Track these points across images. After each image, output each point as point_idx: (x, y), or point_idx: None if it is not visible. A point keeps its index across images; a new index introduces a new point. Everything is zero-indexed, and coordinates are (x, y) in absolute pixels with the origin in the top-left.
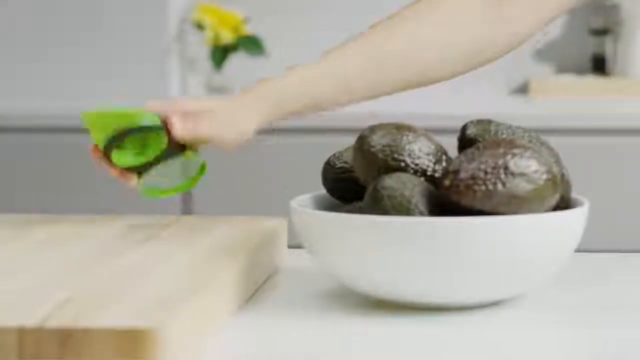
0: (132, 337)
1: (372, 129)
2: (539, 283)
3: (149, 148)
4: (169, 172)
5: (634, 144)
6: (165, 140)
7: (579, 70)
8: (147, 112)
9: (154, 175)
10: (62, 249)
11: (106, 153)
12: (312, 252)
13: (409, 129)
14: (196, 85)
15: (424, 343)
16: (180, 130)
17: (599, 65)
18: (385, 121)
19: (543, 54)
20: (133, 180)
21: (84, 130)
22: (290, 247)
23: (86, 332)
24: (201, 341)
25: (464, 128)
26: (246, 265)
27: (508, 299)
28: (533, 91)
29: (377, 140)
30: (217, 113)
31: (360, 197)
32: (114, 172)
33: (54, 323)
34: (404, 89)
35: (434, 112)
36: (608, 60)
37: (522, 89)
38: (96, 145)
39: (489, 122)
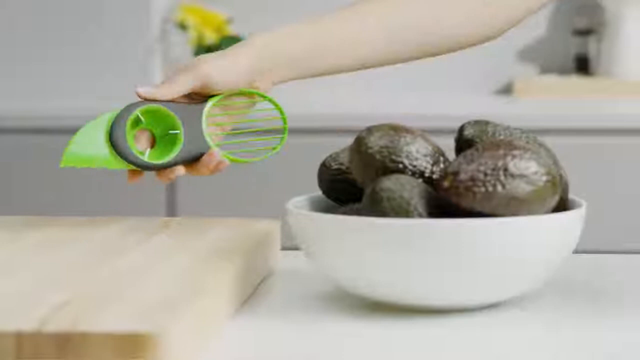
0: (132, 341)
1: (370, 130)
2: (538, 284)
3: (165, 129)
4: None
5: (618, 143)
6: (162, 110)
7: (563, 71)
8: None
9: (234, 143)
10: (58, 251)
11: (129, 159)
12: (310, 254)
13: (407, 130)
14: None
15: (423, 345)
16: (155, 92)
17: (583, 66)
18: (373, 122)
19: (526, 54)
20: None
21: (68, 132)
22: (282, 249)
23: (85, 336)
24: (200, 344)
25: (462, 129)
26: (243, 267)
27: (507, 300)
28: (517, 91)
29: (375, 142)
30: (196, 64)
31: (356, 199)
32: (180, 172)
33: (52, 327)
34: (419, 57)
35: (417, 112)
36: (592, 60)
37: (506, 90)
38: (132, 171)
39: (486, 123)
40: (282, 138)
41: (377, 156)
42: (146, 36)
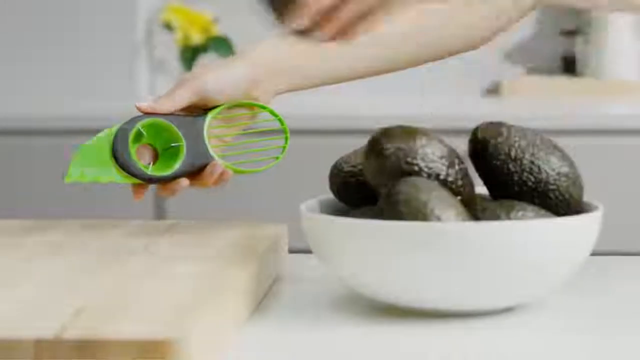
0: (152, 347)
1: (384, 132)
2: (553, 288)
3: (167, 142)
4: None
5: (605, 144)
6: (163, 124)
7: (550, 71)
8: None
9: (237, 153)
10: (65, 255)
11: (133, 173)
12: (325, 258)
13: (422, 132)
14: (165, 87)
15: (435, 349)
16: (155, 105)
17: (570, 66)
18: (363, 123)
19: (514, 55)
20: (221, 170)
21: (51, 133)
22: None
23: (106, 342)
24: (217, 348)
25: (475, 131)
26: (257, 270)
27: (522, 304)
28: (504, 92)
29: (390, 144)
30: (193, 76)
31: (368, 201)
32: (184, 183)
33: (71, 333)
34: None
35: (407, 113)
36: (578, 61)
37: (494, 90)
38: (136, 185)
39: (500, 124)
40: (283, 147)
41: (392, 158)
42: (132, 37)
